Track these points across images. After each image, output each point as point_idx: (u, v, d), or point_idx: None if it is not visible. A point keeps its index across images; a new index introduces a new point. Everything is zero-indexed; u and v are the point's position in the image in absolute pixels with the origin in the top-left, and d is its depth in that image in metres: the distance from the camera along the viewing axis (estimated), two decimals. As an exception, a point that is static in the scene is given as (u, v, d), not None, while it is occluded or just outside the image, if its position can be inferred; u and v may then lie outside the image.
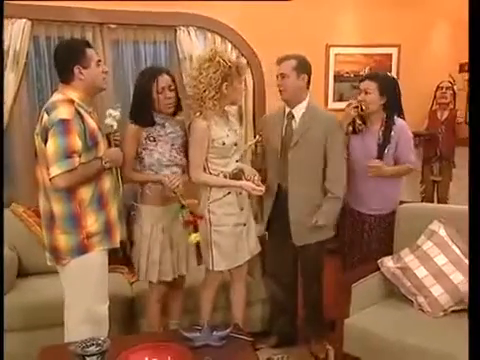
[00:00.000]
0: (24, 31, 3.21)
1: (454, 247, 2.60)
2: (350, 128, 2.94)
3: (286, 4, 3.75)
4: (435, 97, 4.39)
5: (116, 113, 2.39)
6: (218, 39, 3.68)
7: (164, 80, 2.55)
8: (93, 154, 2.25)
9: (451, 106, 4.38)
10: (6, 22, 3.12)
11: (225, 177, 2.62)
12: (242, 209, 2.68)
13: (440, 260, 2.58)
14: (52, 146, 2.13)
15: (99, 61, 2.32)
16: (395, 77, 2.96)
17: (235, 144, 2.65)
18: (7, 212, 3.10)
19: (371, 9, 4.10)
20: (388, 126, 2.87)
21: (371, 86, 2.86)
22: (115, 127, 2.39)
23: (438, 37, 4.42)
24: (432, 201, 4.37)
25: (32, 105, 3.40)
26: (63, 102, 2.19)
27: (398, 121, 2.90)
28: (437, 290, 2.54)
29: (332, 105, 4.13)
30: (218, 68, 2.48)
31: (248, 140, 3.74)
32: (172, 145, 2.61)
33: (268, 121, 3.02)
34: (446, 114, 4.37)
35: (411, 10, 4.14)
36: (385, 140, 2.86)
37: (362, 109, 2.87)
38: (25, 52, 3.25)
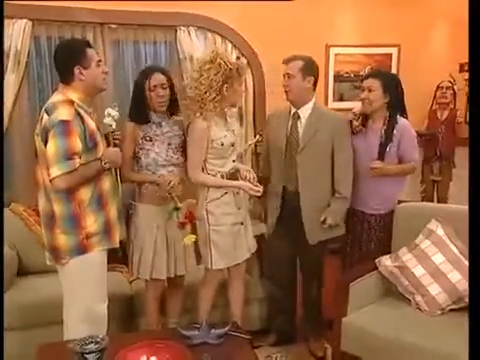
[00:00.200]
0: (25, 31, 3.22)
1: (452, 246, 2.60)
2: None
3: (286, 4, 3.76)
4: (435, 97, 4.39)
5: (115, 113, 2.40)
6: (218, 39, 3.68)
7: (157, 78, 2.59)
8: (93, 155, 2.26)
9: (451, 106, 4.38)
10: (7, 22, 3.13)
11: (222, 177, 2.63)
12: (239, 208, 2.69)
13: (438, 259, 2.59)
14: (52, 147, 2.14)
15: (99, 61, 2.33)
16: (398, 76, 2.95)
17: (232, 144, 2.66)
18: (7, 211, 3.11)
19: (371, 9, 4.09)
20: (391, 125, 2.86)
21: (375, 84, 2.85)
22: (114, 127, 2.40)
23: (438, 37, 4.41)
24: (432, 201, 4.37)
25: (33, 105, 3.41)
26: (63, 103, 2.20)
27: (401, 120, 2.89)
28: (435, 289, 2.55)
29: (332, 105, 4.13)
30: (219, 70, 2.49)
31: (248, 140, 3.75)
32: (169, 144, 2.64)
33: (272, 120, 3.02)
34: (446, 114, 4.38)
35: (411, 10, 4.13)
36: (387, 138, 2.86)
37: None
38: (26, 52, 3.25)
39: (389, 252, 2.82)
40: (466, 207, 2.16)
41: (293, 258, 3.05)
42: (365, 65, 4.21)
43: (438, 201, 4.38)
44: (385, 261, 2.72)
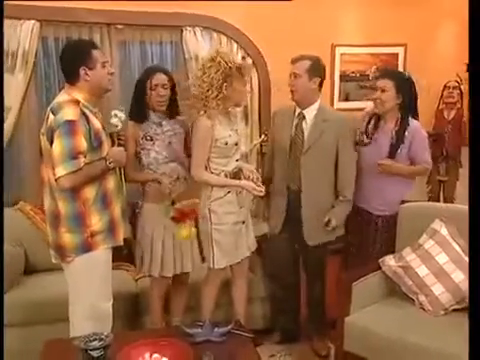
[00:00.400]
0: (33, 32, 3.26)
1: (455, 246, 2.60)
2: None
3: (292, 4, 3.76)
4: (442, 96, 4.37)
5: (121, 114, 2.42)
6: (224, 39, 3.69)
7: (159, 78, 2.64)
8: (98, 154, 2.28)
9: (458, 105, 4.36)
10: (15, 23, 3.19)
11: (226, 176, 2.64)
12: (241, 207, 2.71)
13: (441, 259, 2.59)
14: (58, 147, 2.16)
15: (105, 62, 2.35)
16: (411, 77, 2.94)
17: (236, 144, 2.67)
18: (14, 211, 3.17)
19: (377, 8, 4.08)
20: (402, 126, 2.85)
21: (388, 84, 2.85)
22: (119, 127, 2.42)
23: (444, 36, 4.39)
24: (439, 201, 4.35)
25: (40, 105, 3.44)
26: (69, 103, 2.22)
27: (412, 122, 2.88)
28: (438, 289, 2.55)
29: (338, 105, 4.13)
30: (219, 68, 2.51)
31: (254, 139, 3.76)
32: (169, 143, 2.67)
33: (277, 118, 3.02)
34: (453, 113, 4.36)
35: (417, 9, 4.12)
36: (398, 140, 2.85)
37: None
38: (34, 52, 3.30)
39: (394, 252, 2.82)
40: (469, 207, 2.15)
41: (296, 258, 3.06)
42: (371, 65, 4.21)
43: (445, 201, 4.36)
44: (389, 261, 2.72)
